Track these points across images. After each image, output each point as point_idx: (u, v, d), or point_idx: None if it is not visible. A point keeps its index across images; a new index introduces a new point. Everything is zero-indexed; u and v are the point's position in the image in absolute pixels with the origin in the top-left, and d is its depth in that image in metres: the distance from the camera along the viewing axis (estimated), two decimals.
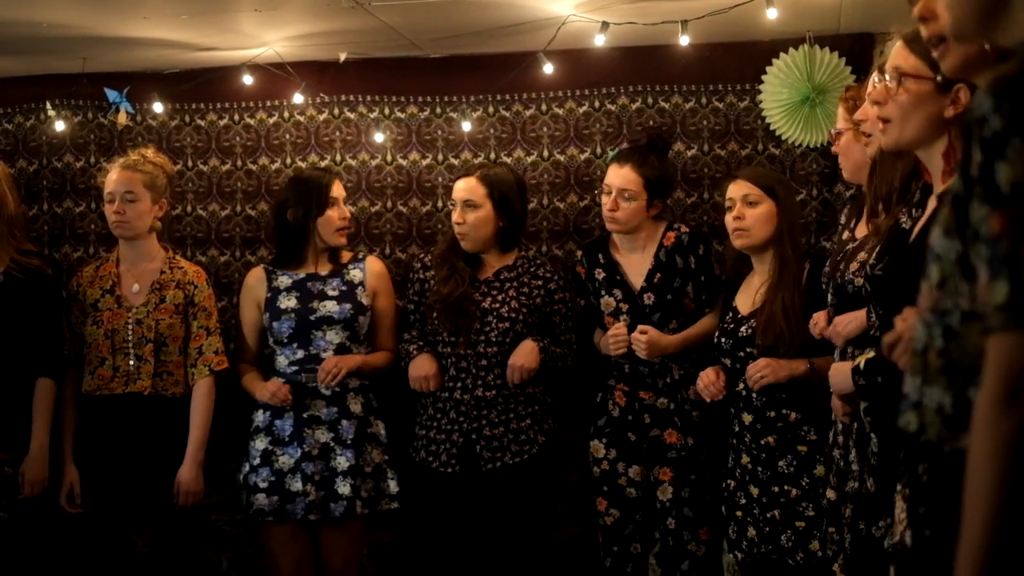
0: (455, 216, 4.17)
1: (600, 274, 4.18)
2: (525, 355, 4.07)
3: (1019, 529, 1.25)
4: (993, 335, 1.29)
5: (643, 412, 4.07)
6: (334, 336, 4.16)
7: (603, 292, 4.16)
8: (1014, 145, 1.27)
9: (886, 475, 2.75)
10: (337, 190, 4.26)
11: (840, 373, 2.95)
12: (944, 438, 1.50)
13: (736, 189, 3.81)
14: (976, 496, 1.29)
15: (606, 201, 4.09)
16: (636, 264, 4.16)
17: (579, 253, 4.31)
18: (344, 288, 4.22)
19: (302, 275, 4.26)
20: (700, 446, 4.03)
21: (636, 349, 3.98)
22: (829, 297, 3.29)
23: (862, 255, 3.16)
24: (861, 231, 3.29)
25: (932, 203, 2.51)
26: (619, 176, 4.07)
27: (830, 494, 3.25)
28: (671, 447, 4.04)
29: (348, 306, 4.19)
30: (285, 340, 4.18)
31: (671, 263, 4.10)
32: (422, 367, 4.15)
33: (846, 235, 3.38)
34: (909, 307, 2.05)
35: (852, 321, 3.15)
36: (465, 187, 4.17)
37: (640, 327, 4.00)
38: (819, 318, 3.35)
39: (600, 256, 4.21)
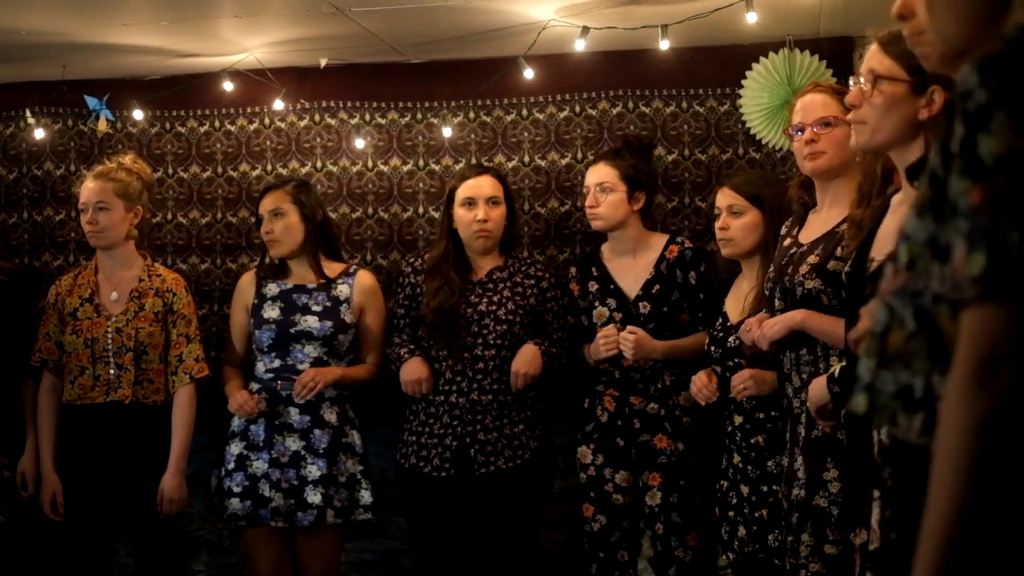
0: (480, 213, 4.12)
1: (593, 286, 4.14)
2: (528, 361, 4.05)
3: (989, 512, 1.23)
4: (967, 308, 1.27)
5: (633, 417, 4.04)
6: (312, 350, 4.15)
7: (596, 303, 4.12)
8: (998, 118, 1.26)
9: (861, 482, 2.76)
10: (263, 205, 4.23)
11: (818, 386, 2.95)
12: (897, 424, 1.47)
13: (722, 198, 3.81)
14: (944, 478, 1.26)
15: (586, 203, 4.10)
16: (629, 271, 4.12)
17: (572, 270, 4.24)
18: (328, 304, 4.20)
19: (290, 285, 4.24)
20: (690, 452, 4.00)
21: (623, 348, 3.94)
22: (775, 302, 3.30)
23: (811, 258, 3.18)
24: (805, 236, 3.31)
25: (897, 200, 2.53)
26: (594, 173, 4.09)
27: (783, 504, 3.28)
28: (661, 452, 4.01)
29: (329, 324, 4.16)
30: (265, 349, 4.18)
31: (671, 276, 4.08)
32: (414, 371, 4.11)
33: (788, 241, 3.38)
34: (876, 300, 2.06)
35: (778, 323, 3.17)
36: (487, 183, 4.15)
37: (629, 327, 3.96)
38: (752, 324, 3.34)
39: (593, 268, 4.18)
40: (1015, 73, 1.27)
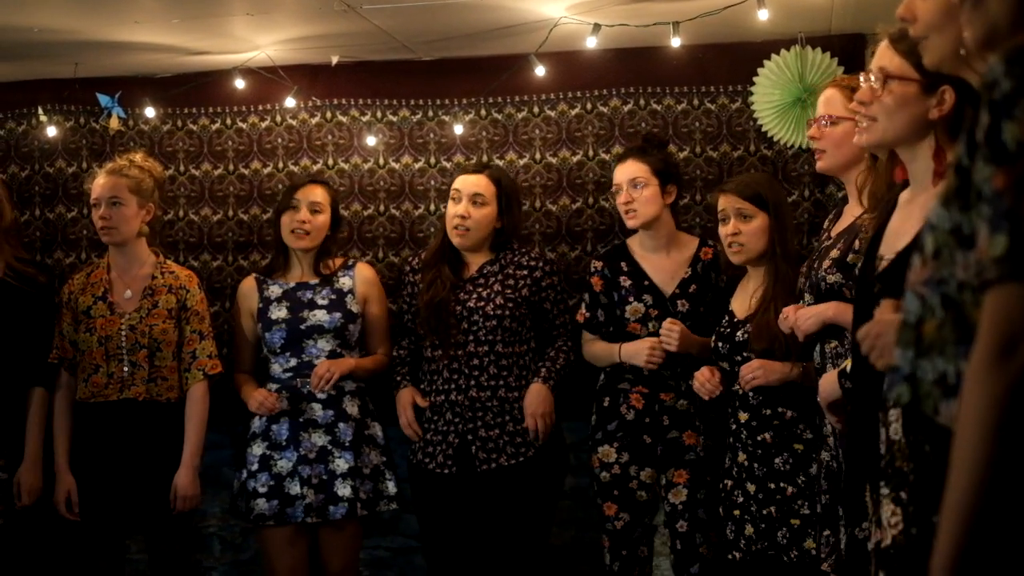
0: (460, 209, 4.13)
1: (626, 281, 4.10)
2: (540, 402, 4.06)
3: (1008, 486, 1.25)
4: (990, 289, 1.29)
5: (662, 414, 4.02)
6: (325, 344, 4.18)
7: (630, 299, 4.08)
8: (1022, 106, 1.28)
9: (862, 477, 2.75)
10: (304, 194, 4.26)
11: (827, 382, 2.96)
12: (940, 412, 1.49)
13: (727, 203, 3.79)
14: (965, 453, 1.28)
15: (620, 199, 4.05)
16: (664, 268, 4.10)
17: (597, 264, 4.19)
18: (334, 297, 4.23)
19: (292, 284, 4.27)
20: (717, 448, 3.98)
21: (667, 340, 3.90)
22: (805, 296, 3.31)
23: (834, 252, 3.19)
24: (837, 230, 3.32)
25: (904, 198, 2.52)
26: (625, 170, 4.06)
27: (823, 499, 3.26)
28: (689, 449, 3.99)
29: (338, 315, 4.19)
30: (278, 350, 4.19)
31: (707, 277, 4.07)
32: (398, 402, 4.21)
33: (824, 236, 3.40)
34: (887, 299, 2.06)
35: (811, 317, 3.18)
36: (476, 182, 4.15)
37: (669, 319, 3.93)
38: (789, 312, 3.34)
39: (623, 264, 4.14)
40: None
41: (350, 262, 4.38)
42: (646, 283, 4.09)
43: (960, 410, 1.31)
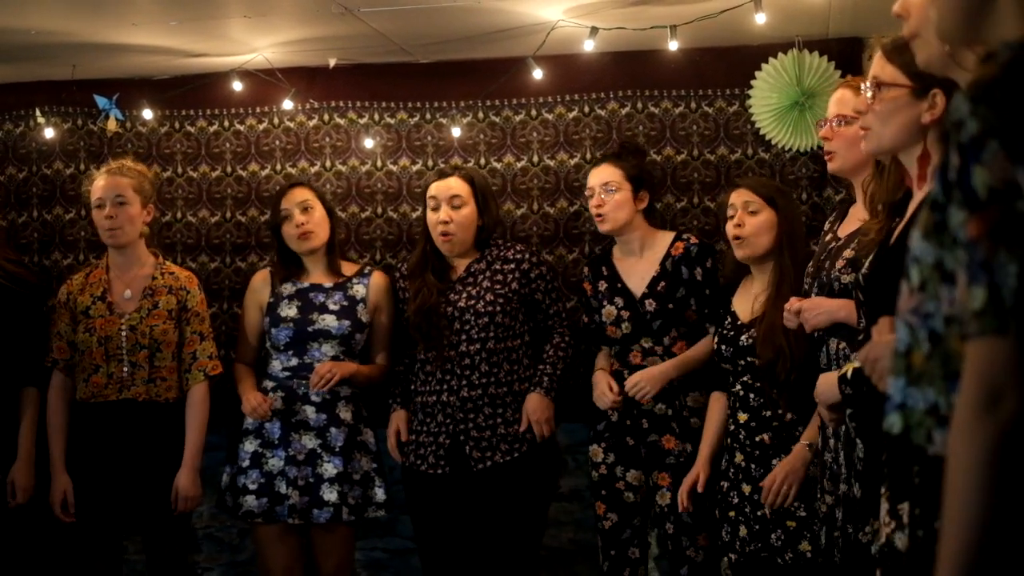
0: (441, 215, 4.14)
1: (603, 285, 4.14)
2: (541, 409, 4.07)
3: (999, 537, 1.25)
4: (971, 341, 1.29)
5: (641, 417, 4.03)
6: (329, 349, 4.18)
7: (604, 302, 4.12)
8: (990, 148, 1.26)
9: (872, 481, 2.75)
10: (290, 199, 4.26)
11: (826, 383, 2.95)
12: (933, 441, 1.49)
13: (737, 196, 3.79)
14: (955, 505, 1.28)
15: (592, 203, 4.09)
16: (636, 270, 4.12)
17: (586, 270, 4.25)
18: (346, 303, 4.23)
19: (306, 284, 4.28)
20: (697, 452, 4.00)
21: (641, 396, 3.94)
22: (813, 296, 3.29)
23: (847, 252, 3.18)
24: (844, 230, 3.30)
25: (911, 208, 2.53)
26: (597, 174, 4.10)
27: (828, 499, 3.25)
28: (669, 453, 4.00)
29: (347, 323, 4.19)
30: (281, 347, 4.20)
31: (677, 273, 4.07)
32: (389, 426, 4.24)
33: (828, 237, 3.38)
34: (884, 317, 2.06)
35: (822, 312, 3.16)
36: (450, 184, 4.16)
37: (628, 379, 3.97)
38: (793, 302, 3.32)
39: (603, 268, 4.18)
40: (1005, 101, 1.27)
41: (366, 269, 4.37)
42: (619, 286, 4.12)
43: (949, 463, 1.31)
